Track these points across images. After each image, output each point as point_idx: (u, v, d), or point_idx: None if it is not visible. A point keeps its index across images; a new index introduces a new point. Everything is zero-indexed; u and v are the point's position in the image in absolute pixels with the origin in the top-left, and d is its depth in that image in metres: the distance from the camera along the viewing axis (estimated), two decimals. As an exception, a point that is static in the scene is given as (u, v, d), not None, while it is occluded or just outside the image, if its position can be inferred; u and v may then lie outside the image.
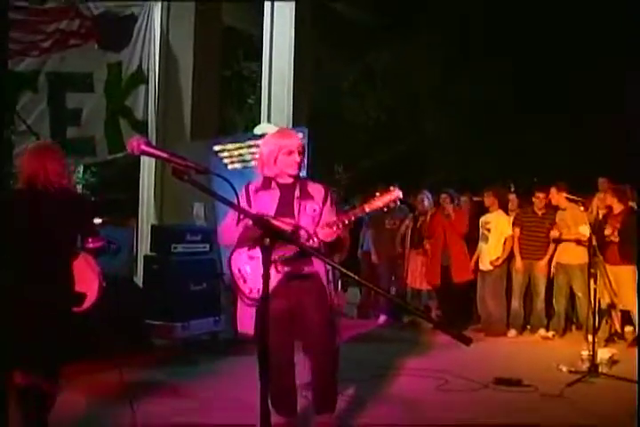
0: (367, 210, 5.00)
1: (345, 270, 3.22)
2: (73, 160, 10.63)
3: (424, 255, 10.67)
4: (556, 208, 10.07)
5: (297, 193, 5.03)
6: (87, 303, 4.92)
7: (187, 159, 2.93)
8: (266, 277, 3.04)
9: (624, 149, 10.60)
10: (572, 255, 9.61)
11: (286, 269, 4.90)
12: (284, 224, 4.81)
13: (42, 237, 4.68)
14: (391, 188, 4.96)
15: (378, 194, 5.01)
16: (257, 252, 4.91)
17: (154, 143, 11.21)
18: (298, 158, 5.02)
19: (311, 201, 5.04)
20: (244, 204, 4.95)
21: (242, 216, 4.71)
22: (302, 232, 4.88)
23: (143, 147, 2.93)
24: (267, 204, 4.99)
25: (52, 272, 4.74)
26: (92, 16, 10.67)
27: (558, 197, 9.74)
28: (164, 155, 2.94)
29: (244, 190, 5.07)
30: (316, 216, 5.00)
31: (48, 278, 4.69)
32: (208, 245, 8.78)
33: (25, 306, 4.60)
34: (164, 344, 8.35)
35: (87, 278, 4.91)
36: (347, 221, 4.90)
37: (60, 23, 10.38)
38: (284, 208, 4.98)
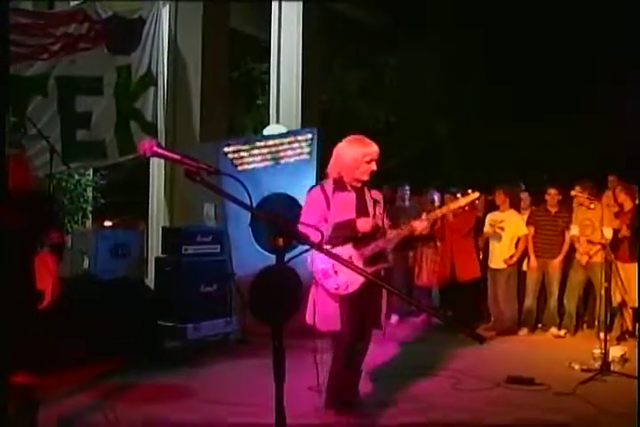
0: (451, 208, 5.87)
1: (358, 268, 3.25)
2: (84, 163, 10.70)
3: (436, 255, 10.67)
4: (570, 206, 10.00)
5: (368, 196, 5.54)
6: (45, 301, 4.99)
7: (198, 161, 2.94)
8: (279, 276, 3.06)
9: (629, 147, 10.53)
10: (592, 254, 9.56)
11: (372, 266, 5.35)
12: (370, 222, 5.38)
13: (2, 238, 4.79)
14: (469, 191, 5.70)
15: (459, 196, 5.79)
16: (342, 249, 5.31)
17: (164, 145, 11.31)
18: (374, 166, 5.45)
19: (379, 204, 5.58)
20: (322, 203, 5.41)
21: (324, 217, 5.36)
22: (388, 229, 5.55)
23: (155, 149, 2.93)
24: (346, 205, 5.43)
25: (12, 271, 4.83)
26: (101, 20, 10.69)
27: (582, 196, 9.45)
28: (176, 156, 2.95)
29: (319, 189, 5.52)
30: (382, 217, 5.56)
31: (8, 278, 4.79)
32: (219, 246, 8.79)
33: None
34: (176, 346, 8.35)
35: (43, 277, 5.01)
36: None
37: (68, 27, 10.40)
38: (361, 209, 5.46)
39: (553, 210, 10.00)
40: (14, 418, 4.77)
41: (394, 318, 10.79)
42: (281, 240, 2.93)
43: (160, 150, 2.95)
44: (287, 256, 3.04)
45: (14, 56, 9.88)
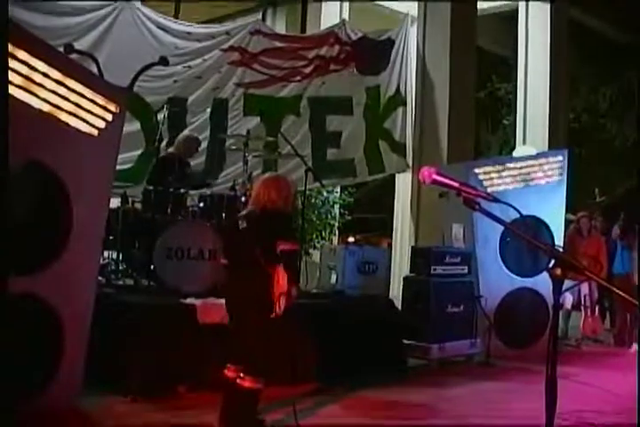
0: None
1: (618, 290, 3.15)
2: (334, 180, 10.98)
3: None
4: None
5: None
6: (277, 310, 5.22)
7: (477, 189, 2.98)
8: (556, 305, 3.04)
9: None
10: None
11: None
12: None
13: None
14: None
15: None
16: None
17: (411, 165, 11.44)
18: None
19: None
20: None
21: None
22: None
23: (435, 176, 2.99)
24: None
25: (251, 279, 5.27)
26: (351, 42, 11.01)
27: None
28: (456, 184, 2.98)
29: None
30: None
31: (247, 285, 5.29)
32: (467, 268, 8.77)
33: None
34: (419, 364, 8.38)
35: (280, 285, 5.26)
36: None
37: (320, 49, 10.78)
38: None
39: None
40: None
41: (634, 348, 10.29)
42: (559, 270, 2.91)
43: (439, 178, 3.00)
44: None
45: (270, 78, 10.35)
